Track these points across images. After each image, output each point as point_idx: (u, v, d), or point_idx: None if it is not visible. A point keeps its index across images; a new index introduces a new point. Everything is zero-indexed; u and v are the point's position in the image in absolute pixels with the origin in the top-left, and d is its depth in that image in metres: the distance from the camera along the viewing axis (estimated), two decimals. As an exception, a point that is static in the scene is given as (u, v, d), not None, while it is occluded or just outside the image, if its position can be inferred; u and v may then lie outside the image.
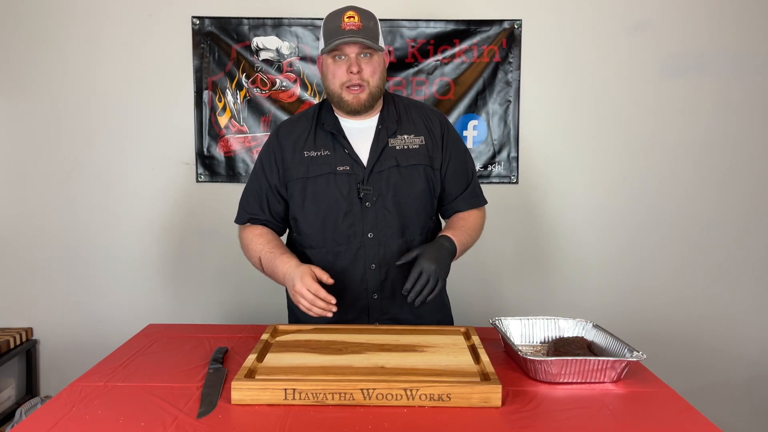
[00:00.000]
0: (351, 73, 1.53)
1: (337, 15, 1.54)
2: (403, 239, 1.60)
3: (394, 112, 1.65)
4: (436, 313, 1.70)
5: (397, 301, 1.60)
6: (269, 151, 1.66)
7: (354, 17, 1.52)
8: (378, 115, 1.64)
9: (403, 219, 1.59)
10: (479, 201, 1.72)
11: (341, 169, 1.58)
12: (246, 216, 1.67)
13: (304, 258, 1.63)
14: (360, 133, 1.62)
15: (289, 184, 1.61)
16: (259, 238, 1.62)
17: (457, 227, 1.63)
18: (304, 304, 1.41)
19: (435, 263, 1.46)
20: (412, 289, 1.44)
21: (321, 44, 1.57)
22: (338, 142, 1.60)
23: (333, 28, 1.53)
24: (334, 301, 1.39)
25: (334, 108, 1.64)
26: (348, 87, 1.55)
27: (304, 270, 1.43)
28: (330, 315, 1.40)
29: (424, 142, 1.62)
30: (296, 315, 1.69)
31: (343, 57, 1.54)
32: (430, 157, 1.62)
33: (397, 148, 1.60)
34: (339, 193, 1.57)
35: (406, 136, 1.62)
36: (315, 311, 1.40)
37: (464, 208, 1.69)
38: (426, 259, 1.46)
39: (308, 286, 1.40)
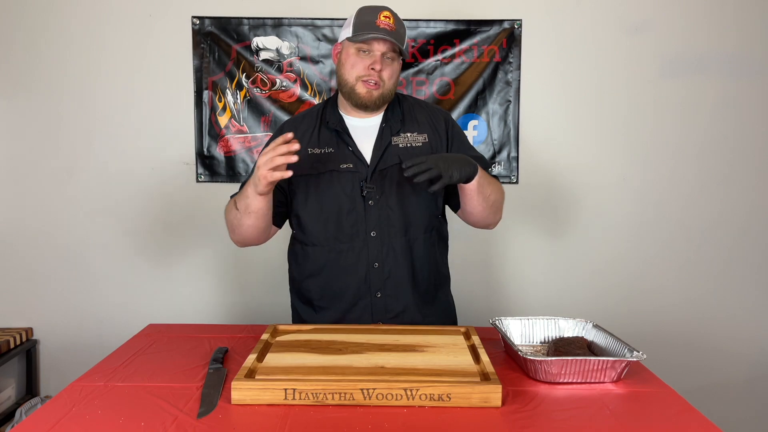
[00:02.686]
0: (372, 69, 1.54)
1: (373, 10, 1.55)
2: (406, 237, 1.60)
3: (399, 111, 1.65)
4: (441, 313, 1.70)
5: (401, 301, 1.60)
6: None
7: (390, 18, 1.54)
8: (382, 113, 1.64)
9: (407, 217, 1.59)
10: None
11: (344, 166, 1.58)
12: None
13: (305, 255, 1.63)
14: (364, 131, 1.62)
15: (292, 181, 1.61)
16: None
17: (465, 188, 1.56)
18: (270, 156, 1.36)
19: (441, 157, 1.41)
20: (411, 167, 1.38)
21: (347, 32, 1.56)
22: (342, 140, 1.60)
23: (367, 21, 1.53)
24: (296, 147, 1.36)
25: (339, 105, 1.65)
26: (364, 81, 1.55)
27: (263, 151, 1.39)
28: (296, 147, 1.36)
29: (427, 140, 1.62)
30: (300, 315, 1.70)
31: (367, 52, 1.55)
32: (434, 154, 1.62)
33: (401, 146, 1.60)
34: (342, 191, 1.58)
35: (409, 135, 1.62)
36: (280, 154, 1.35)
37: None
38: (434, 155, 1.43)
39: (275, 145, 1.35)
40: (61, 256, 2.64)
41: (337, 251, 1.59)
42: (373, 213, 1.58)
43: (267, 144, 1.66)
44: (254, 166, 1.58)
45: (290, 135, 1.38)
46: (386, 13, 1.55)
